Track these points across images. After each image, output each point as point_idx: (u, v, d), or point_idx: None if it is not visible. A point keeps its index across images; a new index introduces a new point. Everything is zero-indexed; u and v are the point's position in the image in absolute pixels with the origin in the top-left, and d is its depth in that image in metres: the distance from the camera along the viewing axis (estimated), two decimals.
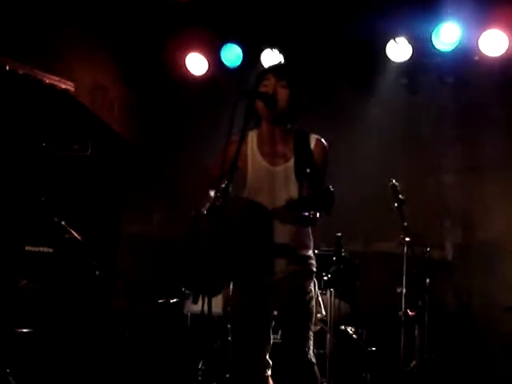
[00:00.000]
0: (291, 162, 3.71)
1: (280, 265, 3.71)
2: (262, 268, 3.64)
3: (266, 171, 3.75)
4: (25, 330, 5.48)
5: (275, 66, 4.03)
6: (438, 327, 6.12)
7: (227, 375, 5.21)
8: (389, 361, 5.92)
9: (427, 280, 5.86)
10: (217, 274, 3.55)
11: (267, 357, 3.77)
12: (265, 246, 3.61)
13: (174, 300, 6.12)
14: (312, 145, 3.75)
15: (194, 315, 6.06)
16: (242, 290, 3.79)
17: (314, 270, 3.84)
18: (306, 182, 3.61)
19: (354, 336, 5.86)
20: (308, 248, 3.83)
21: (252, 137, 3.86)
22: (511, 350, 6.31)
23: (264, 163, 3.77)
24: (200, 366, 5.62)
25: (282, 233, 3.68)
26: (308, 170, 3.56)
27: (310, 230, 3.85)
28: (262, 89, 3.72)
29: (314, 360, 3.69)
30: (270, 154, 3.78)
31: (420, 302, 5.80)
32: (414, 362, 5.72)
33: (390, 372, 5.92)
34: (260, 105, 3.72)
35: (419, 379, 5.67)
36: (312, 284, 3.80)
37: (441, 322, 6.25)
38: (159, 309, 6.18)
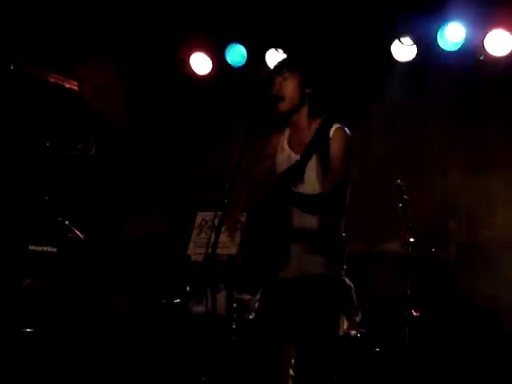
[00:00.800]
0: (311, 163, 3.69)
1: (296, 254, 3.63)
2: (276, 257, 3.60)
3: (286, 158, 3.78)
4: (28, 330, 5.48)
5: (276, 65, 4.03)
6: (443, 327, 6.11)
7: (231, 375, 5.21)
8: (393, 362, 5.90)
9: (432, 280, 5.84)
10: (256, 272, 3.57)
11: (289, 369, 3.67)
12: (281, 232, 3.58)
13: (178, 300, 6.11)
14: (331, 133, 3.72)
15: (198, 315, 6.04)
16: (265, 290, 3.75)
17: (342, 273, 3.74)
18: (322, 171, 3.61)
19: (357, 336, 5.85)
20: (333, 243, 3.74)
21: (286, 131, 3.90)
22: None
23: (288, 151, 3.80)
24: (204, 367, 5.62)
25: (302, 219, 3.64)
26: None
27: (340, 223, 3.80)
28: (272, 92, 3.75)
29: None
30: (296, 142, 3.80)
31: (424, 303, 5.78)
32: (418, 363, 5.69)
33: (394, 373, 5.90)
34: (272, 107, 3.75)
35: (423, 380, 5.66)
36: (339, 291, 3.73)
37: (446, 323, 6.24)
38: (163, 309, 6.18)
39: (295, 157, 3.74)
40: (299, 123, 3.82)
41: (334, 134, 3.72)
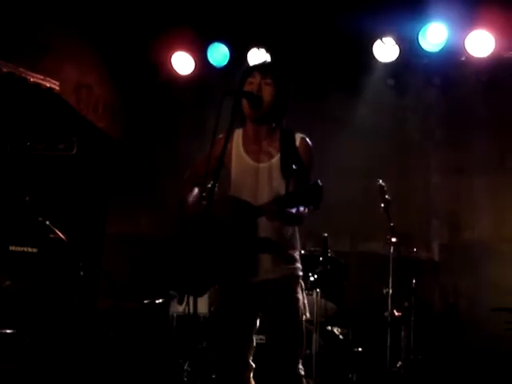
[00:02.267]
0: (276, 159, 3.68)
1: (264, 263, 3.67)
2: (244, 266, 3.62)
3: (250, 168, 3.73)
4: (9, 331, 5.44)
5: (261, 63, 4.02)
6: (425, 328, 6.12)
7: (213, 376, 5.19)
8: (375, 361, 5.92)
9: (413, 280, 5.86)
10: (202, 274, 3.54)
11: (250, 360, 3.74)
12: (248, 242, 3.59)
13: (160, 300, 6.09)
14: (297, 143, 3.72)
15: (179, 316, 6.03)
16: (226, 291, 3.75)
17: (300, 273, 3.80)
18: (293, 180, 3.59)
19: (340, 336, 5.85)
20: (294, 249, 3.79)
21: (238, 135, 3.83)
22: (497, 351, 6.32)
23: (248, 160, 3.75)
24: (185, 367, 5.60)
25: (267, 229, 3.64)
26: (294, 167, 3.52)
27: (296, 231, 3.82)
28: (247, 87, 3.71)
29: (302, 373, 3.67)
30: (255, 151, 3.75)
31: (406, 303, 5.80)
32: (400, 363, 5.71)
33: (376, 373, 5.91)
34: (245, 104, 3.71)
35: (405, 380, 5.67)
36: (300, 290, 3.77)
37: (427, 323, 6.25)
38: (145, 309, 6.16)
39: (260, 165, 3.71)
40: (259, 130, 3.77)
41: (300, 144, 3.73)
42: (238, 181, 3.77)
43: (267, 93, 3.70)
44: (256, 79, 3.72)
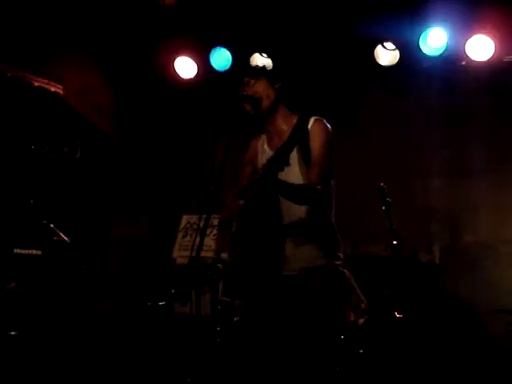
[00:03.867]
0: (293, 157, 3.71)
1: (295, 251, 3.67)
2: (273, 258, 3.62)
3: (268, 156, 3.81)
4: (13, 333, 5.47)
5: (243, 69, 4.07)
6: (426, 329, 6.14)
7: (216, 377, 5.22)
8: (376, 363, 5.93)
9: (414, 283, 5.87)
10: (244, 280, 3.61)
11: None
12: (272, 231, 3.61)
13: (163, 302, 6.12)
14: (309, 125, 3.76)
15: (182, 318, 6.05)
16: (261, 289, 3.76)
17: (338, 262, 3.78)
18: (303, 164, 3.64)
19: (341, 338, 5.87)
20: (330, 231, 3.79)
21: (264, 135, 3.96)
22: (498, 353, 6.33)
23: (268, 151, 3.85)
24: (189, 369, 5.62)
25: (291, 214, 3.68)
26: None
27: (330, 214, 3.82)
28: (243, 92, 3.79)
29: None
30: (275, 142, 3.83)
31: (407, 305, 5.81)
32: (401, 365, 5.72)
33: (378, 374, 5.93)
34: (249, 109, 3.80)
35: (406, 382, 5.68)
36: (340, 282, 3.77)
37: (428, 325, 6.27)
38: (148, 311, 6.18)
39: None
40: (277, 123, 3.85)
41: (312, 126, 3.76)
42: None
43: (258, 88, 3.78)
44: (245, 88, 3.81)
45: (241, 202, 3.63)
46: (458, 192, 6.94)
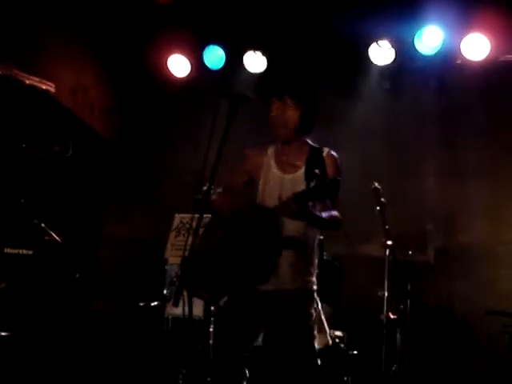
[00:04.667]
0: (301, 172, 3.78)
1: (281, 272, 3.71)
2: (258, 273, 3.65)
3: (276, 178, 3.86)
4: (4, 334, 5.43)
5: (275, 84, 4.04)
6: (420, 331, 6.12)
7: (208, 379, 5.18)
8: (370, 364, 5.91)
9: (409, 283, 5.85)
10: (218, 282, 3.59)
11: (245, 368, 3.79)
12: (266, 249, 3.63)
13: (155, 303, 6.08)
14: (324, 154, 3.84)
15: (174, 318, 6.02)
16: (237, 297, 3.78)
17: (315, 288, 3.88)
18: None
19: (335, 339, 5.85)
20: (313, 263, 3.87)
21: (271, 150, 3.97)
22: (493, 353, 6.32)
23: (275, 170, 3.89)
24: (181, 370, 5.59)
25: (289, 239, 3.72)
26: (317, 172, 3.53)
27: (315, 246, 3.90)
28: (271, 113, 3.85)
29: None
30: (283, 163, 3.89)
31: (402, 306, 5.79)
32: (395, 366, 5.71)
33: (372, 375, 5.91)
34: (272, 126, 3.85)
35: (401, 383, 5.67)
36: (313, 305, 3.83)
37: (422, 326, 6.25)
38: (139, 311, 6.15)
39: (287, 177, 3.83)
40: (291, 145, 3.90)
41: (327, 156, 3.84)
42: (263, 190, 3.89)
43: (289, 115, 3.83)
44: (275, 104, 3.84)
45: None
46: (453, 192, 6.92)
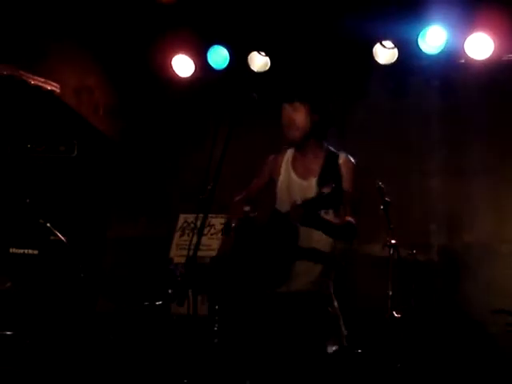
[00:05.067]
0: (316, 177, 3.78)
1: (295, 275, 3.74)
2: (273, 276, 3.68)
3: (294, 183, 3.91)
4: (8, 333, 5.45)
5: (285, 89, 4.05)
6: (424, 329, 6.12)
7: (213, 378, 5.19)
8: (375, 363, 5.92)
9: (413, 282, 5.86)
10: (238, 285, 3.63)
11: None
12: (281, 253, 3.66)
13: (160, 302, 6.10)
14: (340, 161, 3.87)
15: (179, 317, 6.03)
16: (253, 300, 3.82)
17: (330, 291, 3.91)
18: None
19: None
20: (330, 267, 3.90)
21: (289, 154, 4.02)
22: (497, 353, 6.32)
23: (293, 176, 3.93)
24: (186, 369, 5.60)
25: (305, 242, 3.76)
26: (331, 185, 3.51)
27: (334, 249, 3.91)
28: (283, 119, 3.89)
29: None
30: (301, 167, 3.93)
31: (406, 305, 5.80)
32: (399, 365, 5.71)
33: (376, 374, 5.91)
34: (284, 132, 3.89)
35: (405, 381, 5.67)
36: (326, 309, 3.85)
37: (427, 324, 6.26)
38: (145, 311, 6.16)
39: (303, 182, 3.86)
40: (306, 149, 3.93)
41: (343, 163, 3.87)
42: (282, 194, 3.94)
43: (298, 117, 3.86)
44: (285, 110, 3.88)
45: (247, 208, 3.70)
46: (457, 191, 6.92)
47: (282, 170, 3.98)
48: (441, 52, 6.63)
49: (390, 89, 7.13)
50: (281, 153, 4.07)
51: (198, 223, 3.47)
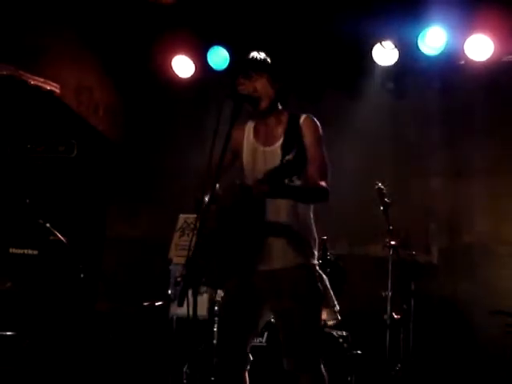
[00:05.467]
0: (279, 143, 3.73)
1: (274, 250, 3.68)
2: (252, 254, 3.61)
3: (258, 152, 3.83)
4: (9, 333, 5.45)
5: (242, 63, 4.01)
6: (423, 330, 6.13)
7: (212, 378, 5.19)
8: (374, 364, 5.92)
9: (412, 283, 5.87)
10: (218, 267, 3.59)
11: (248, 351, 3.79)
12: (254, 229, 3.59)
13: (159, 303, 6.09)
14: (301, 121, 3.77)
15: (179, 318, 6.03)
16: (236, 280, 3.75)
17: (314, 262, 3.80)
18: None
19: (339, 339, 5.85)
20: (308, 235, 3.79)
21: (250, 124, 3.94)
22: (496, 354, 6.32)
23: (256, 145, 3.85)
24: (185, 370, 5.60)
25: (276, 213, 3.68)
26: (294, 150, 3.45)
27: (310, 217, 3.83)
28: (241, 87, 3.78)
29: (324, 374, 3.71)
30: (263, 135, 3.86)
31: (405, 306, 5.81)
32: (399, 366, 5.72)
33: (375, 375, 5.92)
34: (247, 105, 3.77)
35: (404, 382, 5.67)
36: (315, 281, 3.76)
37: (426, 325, 6.26)
38: (144, 311, 6.16)
39: (266, 149, 3.78)
40: (269, 117, 3.85)
41: (303, 122, 3.77)
42: (248, 166, 3.86)
43: (259, 86, 3.77)
44: (245, 82, 3.79)
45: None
46: (457, 192, 6.93)
47: (245, 142, 3.90)
48: (441, 53, 6.64)
49: (389, 90, 7.13)
50: (241, 126, 3.95)
51: (198, 224, 3.46)
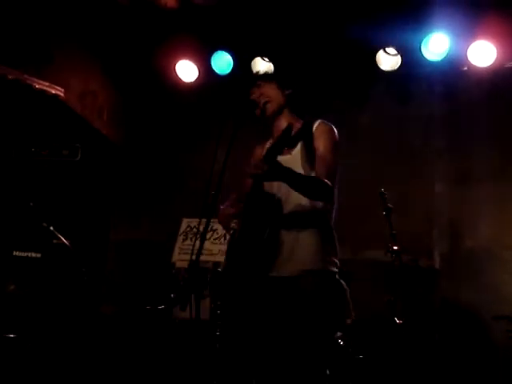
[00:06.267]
0: (296, 150, 3.72)
1: (289, 246, 3.63)
2: (261, 260, 3.58)
3: None
4: (12, 336, 5.46)
5: (252, 76, 4.05)
6: (426, 335, 6.13)
7: (215, 382, 5.20)
8: (376, 369, 5.92)
9: (415, 288, 5.87)
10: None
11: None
12: (270, 235, 3.55)
13: (162, 306, 6.11)
14: (314, 128, 3.76)
15: (182, 322, 6.04)
16: (246, 287, 3.74)
17: (334, 269, 3.71)
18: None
19: (341, 343, 5.86)
20: (330, 238, 3.75)
21: (269, 142, 3.94)
22: (499, 358, 6.32)
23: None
24: (187, 374, 5.61)
25: (296, 216, 3.64)
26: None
27: (328, 214, 3.77)
28: (252, 97, 3.82)
29: None
30: None
31: (407, 311, 5.81)
32: (401, 370, 5.72)
33: (378, 380, 5.92)
34: (257, 112, 3.83)
35: None
36: (329, 291, 3.68)
37: (428, 330, 6.26)
38: (147, 315, 6.17)
39: (286, 158, 3.65)
40: (280, 126, 3.83)
41: (317, 127, 3.76)
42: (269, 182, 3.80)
43: (267, 91, 3.83)
44: (255, 91, 3.85)
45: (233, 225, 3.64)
46: (459, 197, 6.94)
47: None
48: (444, 59, 6.65)
49: (393, 95, 7.15)
50: (262, 143, 4.00)
51: (201, 228, 3.46)
